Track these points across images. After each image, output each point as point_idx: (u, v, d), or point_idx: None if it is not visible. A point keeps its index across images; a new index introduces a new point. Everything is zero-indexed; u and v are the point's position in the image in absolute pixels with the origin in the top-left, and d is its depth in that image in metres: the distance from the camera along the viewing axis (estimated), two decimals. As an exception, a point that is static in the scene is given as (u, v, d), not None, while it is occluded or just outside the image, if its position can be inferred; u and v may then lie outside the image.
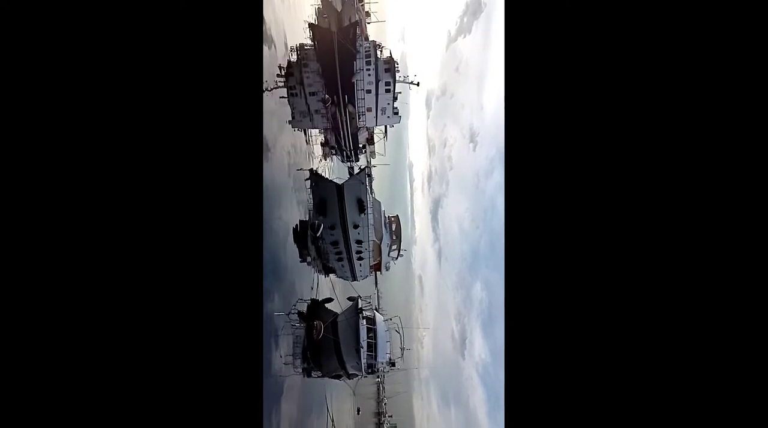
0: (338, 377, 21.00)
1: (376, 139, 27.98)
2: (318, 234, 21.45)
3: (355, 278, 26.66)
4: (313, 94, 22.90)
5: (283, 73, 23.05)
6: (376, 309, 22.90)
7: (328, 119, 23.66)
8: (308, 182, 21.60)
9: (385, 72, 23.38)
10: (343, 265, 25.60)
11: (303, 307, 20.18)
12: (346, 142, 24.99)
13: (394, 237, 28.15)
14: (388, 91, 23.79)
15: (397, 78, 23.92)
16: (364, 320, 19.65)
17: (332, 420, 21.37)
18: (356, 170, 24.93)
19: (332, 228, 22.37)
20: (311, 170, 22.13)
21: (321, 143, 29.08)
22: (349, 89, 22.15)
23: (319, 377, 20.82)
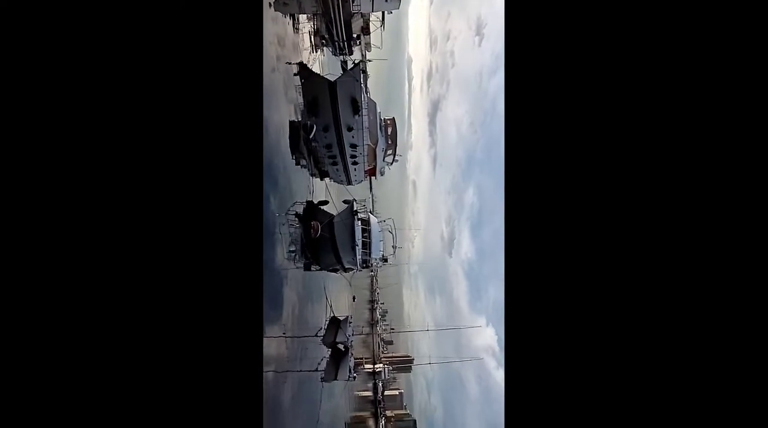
0: (335, 270, 22.91)
1: (372, 27, 24.95)
2: (311, 137, 20.78)
3: (350, 182, 26.83)
4: (298, -33, 19.49)
5: None
6: (370, 212, 23.75)
7: (317, 1, 20.66)
8: (298, 78, 19.97)
9: (384, -60, 19.58)
10: (337, 169, 25.52)
11: (300, 209, 20.80)
12: (338, 30, 22.30)
13: (389, 142, 27.47)
14: (386, -35, 20.30)
15: (397, -52, 20.17)
16: (359, 221, 20.54)
17: (330, 306, 24.07)
18: (350, 65, 22.88)
19: (325, 130, 21.56)
20: (300, 64, 20.23)
21: (310, 32, 25.97)
22: (341, -38, 18.82)
23: (317, 270, 22.69)
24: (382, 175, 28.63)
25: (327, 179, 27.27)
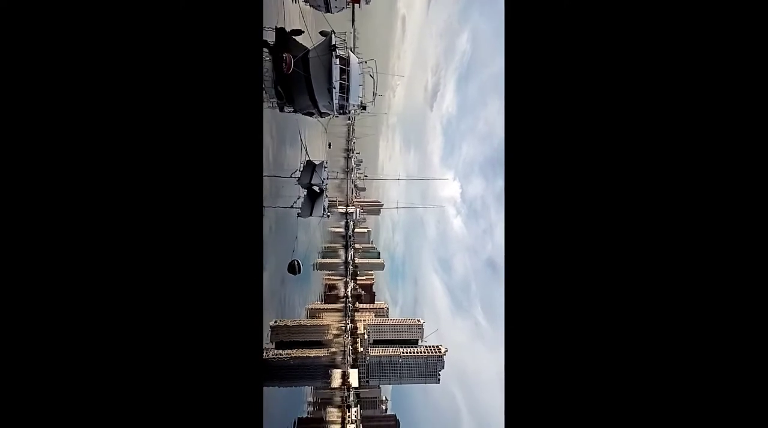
0: (311, 114, 21.95)
1: None
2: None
3: (328, 9, 22.93)
4: None
5: None
6: (350, 50, 21.15)
7: None
8: None
9: None
10: (314, -11, 21.23)
11: (270, 36, 18.04)
12: None
13: (379, -44, 22.25)
14: None
15: None
16: (337, 59, 18.44)
17: (306, 150, 24.19)
18: None
19: (299, -74, 16.74)
20: None
21: None
22: None
23: (291, 112, 21.63)
24: (367, 3, 24.34)
25: (301, 1, 22.97)
